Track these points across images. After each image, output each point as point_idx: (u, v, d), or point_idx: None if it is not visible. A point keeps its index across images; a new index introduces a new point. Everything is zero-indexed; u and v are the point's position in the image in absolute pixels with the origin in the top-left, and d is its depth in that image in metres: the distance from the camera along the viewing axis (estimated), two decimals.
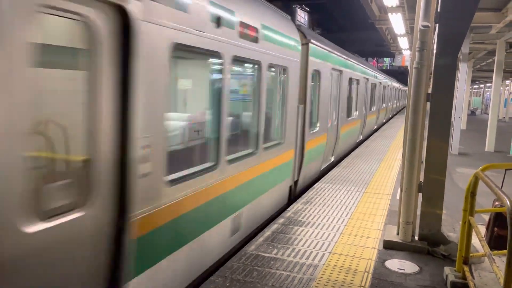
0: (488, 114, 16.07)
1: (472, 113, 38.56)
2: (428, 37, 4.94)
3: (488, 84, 43.66)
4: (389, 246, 5.14)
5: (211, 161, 4.57)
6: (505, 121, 31.45)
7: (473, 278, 4.10)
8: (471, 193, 4.02)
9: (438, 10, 5.03)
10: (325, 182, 8.48)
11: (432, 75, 5.15)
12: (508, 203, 2.72)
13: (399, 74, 51.20)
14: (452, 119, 12.36)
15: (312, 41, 7.71)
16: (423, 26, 4.88)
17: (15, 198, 2.27)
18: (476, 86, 53.07)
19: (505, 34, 13.14)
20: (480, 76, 35.74)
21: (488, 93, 46.69)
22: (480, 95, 53.17)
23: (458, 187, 8.63)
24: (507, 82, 36.94)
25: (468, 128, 21.56)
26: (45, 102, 2.60)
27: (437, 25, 5.10)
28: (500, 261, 4.27)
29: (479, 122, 28.43)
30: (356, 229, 5.73)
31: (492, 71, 15.37)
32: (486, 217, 5.83)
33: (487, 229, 5.17)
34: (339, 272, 4.40)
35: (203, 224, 4.32)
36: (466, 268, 4.02)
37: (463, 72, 13.48)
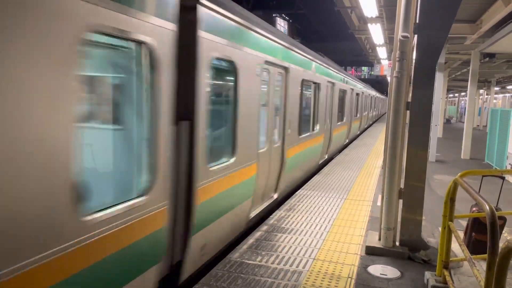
0: (463, 122, 16.49)
1: (447, 121, 39.45)
2: (407, 47, 5.08)
3: (463, 93, 44.83)
4: (371, 251, 5.21)
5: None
6: (479, 129, 32.27)
7: (453, 282, 4.20)
8: (451, 199, 4.13)
9: (417, 22, 5.19)
10: (307, 189, 8.56)
11: (411, 84, 5.29)
12: (488, 208, 2.81)
13: (377, 83, 52.28)
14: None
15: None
16: (403, 36, 5.01)
17: None
18: (451, 95, 54.42)
19: (479, 45, 13.55)
20: (455, 85, 36.69)
21: (462, 102, 47.91)
22: (455, 104, 54.54)
23: (436, 194, 8.81)
24: (481, 91, 38.00)
25: (444, 136, 22.05)
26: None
27: (416, 35, 5.25)
28: (478, 265, 4.38)
29: (455, 130, 29.12)
30: (339, 235, 5.80)
31: (467, 80, 15.77)
32: (464, 222, 5.98)
33: (465, 234, 5.30)
34: (323, 278, 4.44)
35: None
36: (446, 273, 4.12)
37: (440, 82, 13.82)
